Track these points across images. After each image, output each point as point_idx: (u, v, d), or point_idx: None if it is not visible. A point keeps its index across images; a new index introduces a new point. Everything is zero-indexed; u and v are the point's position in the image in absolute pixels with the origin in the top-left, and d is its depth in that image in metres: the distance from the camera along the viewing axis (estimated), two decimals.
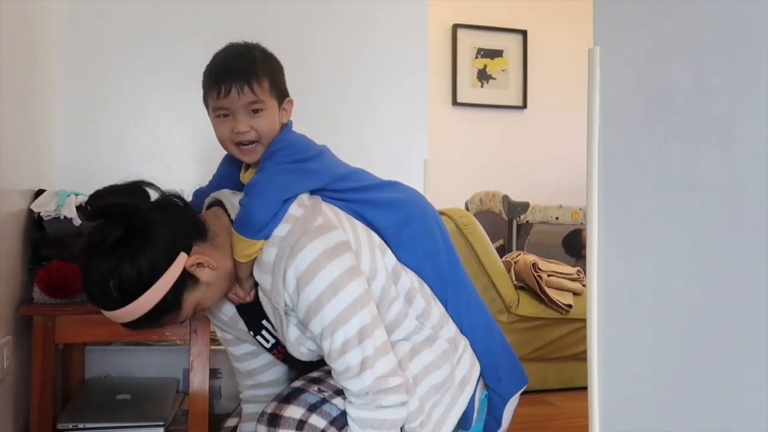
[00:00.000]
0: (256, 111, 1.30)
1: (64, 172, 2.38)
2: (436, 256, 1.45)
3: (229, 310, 1.40)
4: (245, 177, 1.39)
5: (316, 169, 1.34)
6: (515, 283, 2.98)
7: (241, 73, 1.28)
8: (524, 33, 4.61)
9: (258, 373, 1.48)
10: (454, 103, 4.50)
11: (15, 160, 1.86)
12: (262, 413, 1.26)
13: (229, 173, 1.46)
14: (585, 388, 1.27)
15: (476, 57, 4.56)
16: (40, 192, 2.02)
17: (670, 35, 1.06)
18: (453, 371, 1.38)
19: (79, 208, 1.95)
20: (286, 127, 1.37)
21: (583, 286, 3.04)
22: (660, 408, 1.09)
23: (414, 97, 2.75)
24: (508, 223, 3.92)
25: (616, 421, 1.20)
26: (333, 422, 1.24)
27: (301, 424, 1.22)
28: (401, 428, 1.28)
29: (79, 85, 2.42)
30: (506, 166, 4.52)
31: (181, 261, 1.21)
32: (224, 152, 1.42)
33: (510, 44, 4.61)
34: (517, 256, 3.15)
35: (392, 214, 1.41)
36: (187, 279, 1.21)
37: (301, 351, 1.30)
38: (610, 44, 1.21)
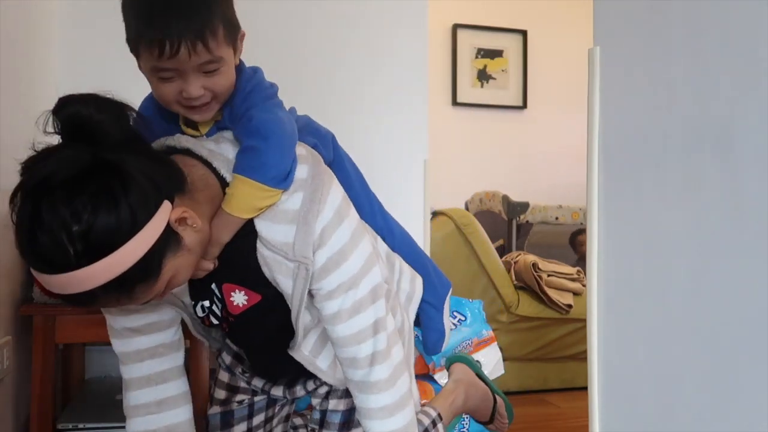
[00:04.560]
0: (212, 71, 1.05)
1: None
2: (352, 182, 1.32)
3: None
4: (201, 128, 1.16)
5: (284, 107, 1.19)
6: (515, 283, 2.98)
7: (190, 25, 1.00)
8: (524, 33, 4.60)
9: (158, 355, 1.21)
10: (454, 103, 4.50)
11: (15, 160, 1.85)
12: None
13: (157, 123, 1.16)
14: (585, 388, 1.27)
15: (476, 57, 4.55)
16: None
17: (670, 35, 1.06)
18: (397, 299, 1.32)
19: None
20: (241, 64, 1.16)
21: (583, 286, 3.04)
22: (660, 408, 1.09)
23: (414, 97, 2.74)
24: (508, 223, 3.92)
25: (616, 421, 1.20)
26: None
27: None
28: None
29: (79, 86, 2.41)
30: (506, 166, 4.52)
31: (166, 212, 0.92)
32: None
33: (510, 44, 4.61)
34: (517, 256, 3.15)
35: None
36: (170, 237, 0.93)
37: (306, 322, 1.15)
38: (610, 44, 1.21)
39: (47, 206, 0.86)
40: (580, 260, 3.97)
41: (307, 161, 1.09)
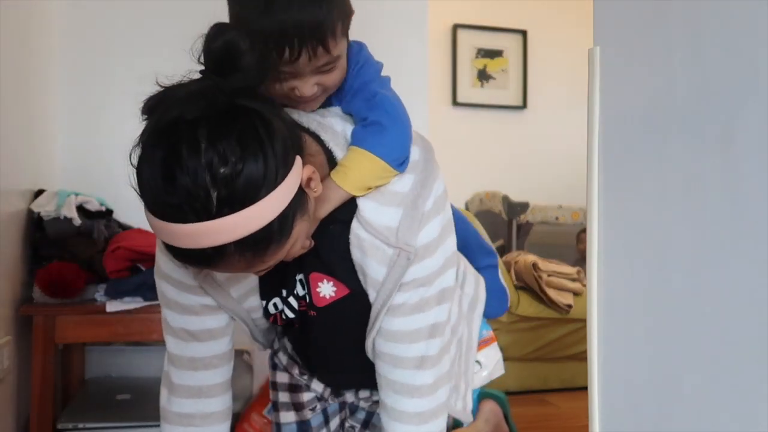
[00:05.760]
0: (328, 70, 1.00)
1: (64, 172, 2.38)
2: None
3: (250, 281, 1.11)
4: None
5: None
6: (515, 283, 2.99)
7: (314, 30, 0.93)
8: (524, 33, 4.61)
9: (209, 366, 1.15)
10: (454, 103, 4.50)
11: (15, 160, 1.86)
12: None
13: None
14: (585, 388, 1.27)
15: (476, 57, 4.55)
16: (40, 192, 2.02)
17: (670, 35, 1.06)
18: (461, 306, 1.29)
19: (79, 207, 1.96)
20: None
21: (583, 286, 3.04)
22: (660, 408, 1.09)
23: (414, 97, 2.73)
24: (508, 223, 3.92)
25: (616, 421, 1.20)
26: None
27: None
28: None
29: (79, 86, 2.42)
30: (506, 166, 4.52)
31: (299, 169, 0.85)
32: None
33: (510, 44, 4.61)
34: (517, 256, 3.15)
35: None
36: (301, 196, 0.86)
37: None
38: (610, 44, 1.21)
39: (190, 145, 0.76)
40: (581, 259, 3.97)
41: (418, 144, 1.03)
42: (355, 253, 1.02)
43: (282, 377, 1.37)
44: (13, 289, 1.82)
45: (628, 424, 1.17)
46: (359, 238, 1.00)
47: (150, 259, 1.91)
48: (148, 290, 1.87)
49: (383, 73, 1.14)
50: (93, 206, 2.00)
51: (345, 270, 1.05)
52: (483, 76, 4.57)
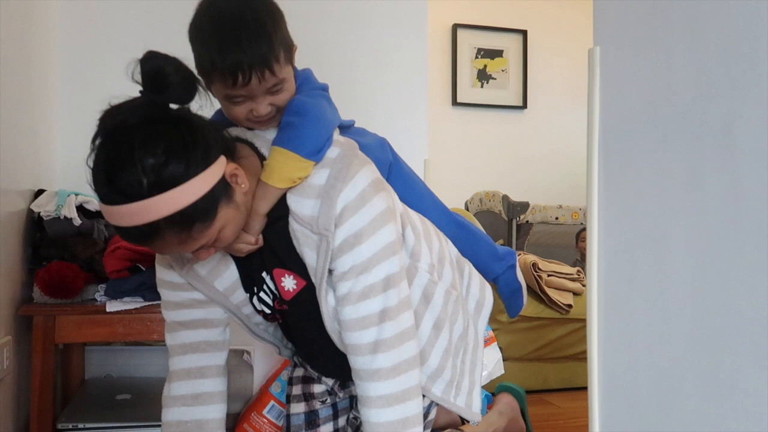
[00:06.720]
0: (277, 91, 1.18)
1: (64, 172, 2.38)
2: (416, 191, 1.40)
3: (231, 275, 1.25)
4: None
5: (332, 105, 1.28)
6: None
7: (258, 57, 1.12)
8: (524, 33, 4.61)
9: (202, 351, 1.27)
10: (454, 103, 4.50)
11: (15, 160, 1.86)
12: None
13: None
14: (585, 388, 1.27)
15: (476, 57, 4.55)
16: (40, 192, 2.02)
17: (670, 35, 1.06)
18: (465, 305, 1.35)
19: (79, 207, 1.96)
20: (294, 69, 1.27)
21: (583, 286, 3.04)
22: (660, 408, 1.09)
23: (414, 97, 2.75)
24: (508, 223, 3.92)
25: (616, 421, 1.20)
26: None
27: None
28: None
29: (79, 86, 2.42)
30: (506, 166, 4.52)
31: (222, 164, 1.05)
32: None
33: (510, 44, 4.61)
34: (517, 256, 3.15)
35: (379, 158, 1.30)
36: (225, 186, 1.05)
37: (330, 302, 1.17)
38: (610, 44, 1.21)
39: (126, 143, 0.98)
40: (581, 259, 3.97)
41: (341, 146, 1.16)
42: (295, 244, 1.15)
43: (298, 372, 1.46)
44: (13, 289, 1.82)
45: (628, 424, 1.17)
46: (293, 230, 1.14)
47: (150, 259, 1.91)
48: (148, 290, 1.87)
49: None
50: (93, 206, 2.00)
51: (295, 261, 1.17)
52: (483, 76, 4.57)
